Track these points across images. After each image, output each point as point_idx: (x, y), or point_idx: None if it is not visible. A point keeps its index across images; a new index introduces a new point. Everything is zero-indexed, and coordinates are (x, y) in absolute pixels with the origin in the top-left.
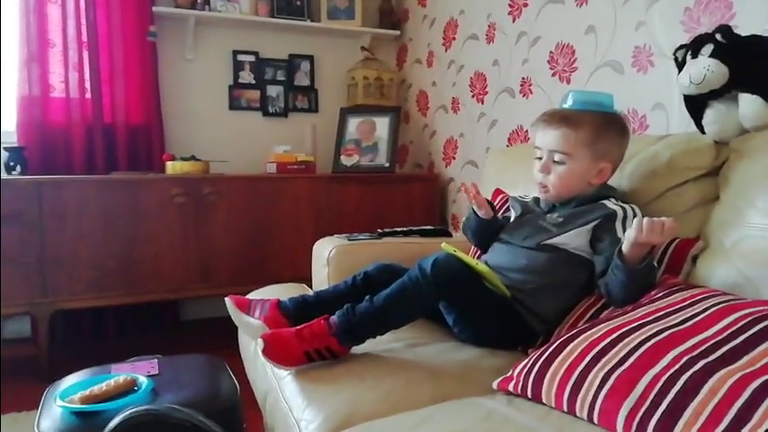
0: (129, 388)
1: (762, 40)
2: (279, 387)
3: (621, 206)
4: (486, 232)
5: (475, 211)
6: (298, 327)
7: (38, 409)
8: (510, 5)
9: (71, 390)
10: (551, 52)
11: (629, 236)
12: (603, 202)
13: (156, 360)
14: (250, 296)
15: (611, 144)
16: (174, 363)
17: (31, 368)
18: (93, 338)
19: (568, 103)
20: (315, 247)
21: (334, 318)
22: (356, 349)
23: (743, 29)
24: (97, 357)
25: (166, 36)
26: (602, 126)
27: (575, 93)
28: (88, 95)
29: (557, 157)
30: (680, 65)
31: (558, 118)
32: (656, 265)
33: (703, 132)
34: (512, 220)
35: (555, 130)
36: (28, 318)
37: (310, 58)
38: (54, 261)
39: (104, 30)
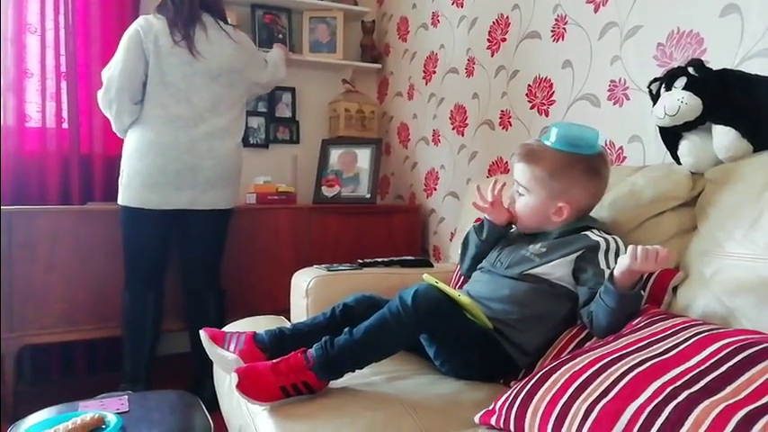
0: (96, 426)
1: (733, 74)
2: (254, 423)
3: (604, 237)
4: (487, 246)
5: (484, 224)
6: (274, 360)
7: None
8: (489, 40)
9: (35, 428)
10: (529, 85)
11: (623, 263)
12: (586, 233)
13: (126, 396)
14: (226, 329)
15: (569, 185)
16: (145, 399)
17: None
18: (62, 374)
19: (551, 139)
20: (294, 277)
21: (311, 351)
22: (334, 383)
23: (713, 63)
24: (66, 394)
25: None
26: (562, 166)
27: (559, 126)
28: (65, 125)
29: (519, 189)
30: (654, 97)
31: (523, 152)
32: (643, 293)
33: (679, 163)
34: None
35: (518, 164)
36: None
37: (292, 90)
38: (23, 294)
39: (83, 60)
